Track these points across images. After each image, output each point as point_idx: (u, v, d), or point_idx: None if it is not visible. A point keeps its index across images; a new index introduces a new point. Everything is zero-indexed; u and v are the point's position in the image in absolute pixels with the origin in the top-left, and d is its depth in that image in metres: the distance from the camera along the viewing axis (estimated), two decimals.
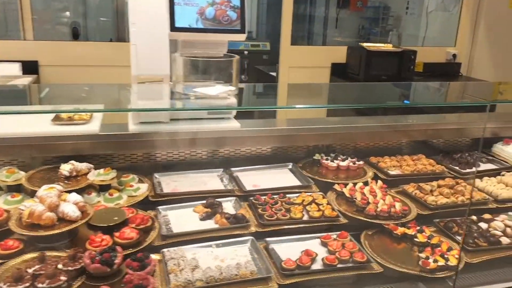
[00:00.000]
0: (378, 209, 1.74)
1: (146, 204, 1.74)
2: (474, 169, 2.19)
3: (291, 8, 3.65)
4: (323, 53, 3.92)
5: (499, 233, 1.70)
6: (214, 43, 1.86)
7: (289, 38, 3.73)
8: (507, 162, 2.31)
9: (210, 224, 1.64)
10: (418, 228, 1.70)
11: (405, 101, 2.37)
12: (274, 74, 4.15)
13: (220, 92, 1.33)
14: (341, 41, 6.96)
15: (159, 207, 1.72)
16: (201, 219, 1.66)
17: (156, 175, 1.93)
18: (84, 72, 3.46)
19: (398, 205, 1.78)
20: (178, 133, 1.93)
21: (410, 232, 1.67)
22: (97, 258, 1.31)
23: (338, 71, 3.87)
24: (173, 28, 1.73)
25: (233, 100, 1.72)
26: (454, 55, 4.17)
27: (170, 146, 2.00)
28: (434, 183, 1.99)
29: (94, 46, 3.83)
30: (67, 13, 5.17)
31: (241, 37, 1.80)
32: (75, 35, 4.86)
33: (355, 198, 1.84)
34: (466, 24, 4.18)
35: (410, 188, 1.99)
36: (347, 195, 1.87)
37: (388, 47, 3.65)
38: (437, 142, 2.53)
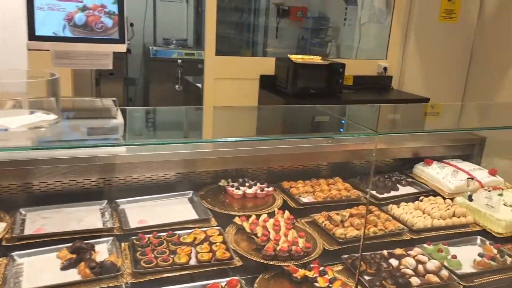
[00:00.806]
0: (278, 248, 1.52)
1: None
2: (390, 194, 2.04)
3: (214, 15, 3.42)
4: (251, 64, 3.72)
5: (410, 272, 1.53)
6: (93, 53, 1.59)
7: (213, 47, 3.50)
8: (427, 185, 2.18)
9: (73, 274, 1.36)
10: (321, 269, 1.50)
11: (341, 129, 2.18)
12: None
13: (23, 124, 1.06)
14: (281, 51, 6.84)
15: (14, 253, 1.41)
16: (62, 269, 1.37)
17: (22, 210, 1.62)
18: None
19: (301, 242, 1.57)
20: (54, 160, 1.65)
21: (311, 274, 1.46)
22: None
23: (266, 84, 3.68)
24: (33, 37, 1.44)
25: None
26: (385, 68, 4.10)
27: (45, 175, 1.70)
28: (346, 212, 1.81)
29: None
30: None
31: (120, 47, 1.54)
32: None
33: (256, 234, 1.62)
34: (397, 36, 4.12)
35: (320, 218, 1.80)
36: (248, 230, 1.65)
37: (316, 59, 3.51)
38: (358, 163, 2.37)
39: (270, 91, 3.61)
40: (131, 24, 6.19)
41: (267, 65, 3.69)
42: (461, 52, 4.31)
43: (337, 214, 1.77)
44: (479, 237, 1.85)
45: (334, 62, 3.54)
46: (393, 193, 2.10)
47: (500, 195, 2.08)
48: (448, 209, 1.90)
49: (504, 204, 1.97)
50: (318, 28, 7.14)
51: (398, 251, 1.63)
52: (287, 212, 1.78)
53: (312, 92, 3.46)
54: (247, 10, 7.34)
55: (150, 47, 5.72)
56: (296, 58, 3.42)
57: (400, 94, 4.05)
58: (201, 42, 6.61)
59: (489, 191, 2.07)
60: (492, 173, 2.21)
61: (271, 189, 1.94)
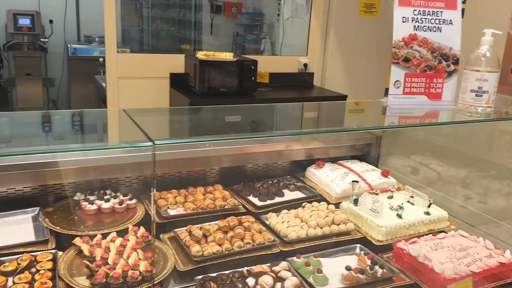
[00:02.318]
0: (110, 274, 1.31)
1: None
2: (268, 202, 1.88)
3: (113, 9, 3.17)
4: (161, 62, 3.48)
5: None
6: None
7: (114, 44, 3.24)
8: (316, 189, 2.03)
9: None
10: None
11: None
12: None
13: None
14: (217, 49, 6.64)
15: None
16: None
17: None
18: None
19: (142, 265, 1.37)
20: None
21: None
22: None
23: (177, 83, 3.47)
24: None
25: None
26: (306, 65, 3.98)
27: None
28: (211, 225, 1.63)
29: None
30: None
31: None
32: None
33: (95, 257, 1.41)
34: (316, 32, 4.01)
35: (183, 233, 1.61)
36: (86, 252, 1.43)
37: (227, 56, 3.33)
38: (253, 167, 2.20)
39: (181, 90, 3.39)
40: (50, 21, 5.81)
41: (177, 63, 3.48)
42: (382, 47, 4.25)
43: (200, 228, 1.59)
44: (358, 245, 1.72)
45: (245, 59, 3.37)
46: (277, 200, 1.94)
47: (390, 197, 1.97)
48: (327, 216, 1.76)
49: (390, 208, 1.85)
50: (252, 24, 6.99)
51: (258, 268, 1.46)
52: (142, 229, 1.58)
53: (223, 91, 3.27)
54: (181, 6, 7.10)
55: (69, 45, 5.38)
56: (203, 54, 3.23)
57: (321, 91, 3.94)
58: (126, 39, 6.32)
59: (376, 194, 1.95)
60: (384, 174, 2.10)
61: (133, 201, 1.73)
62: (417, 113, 1.41)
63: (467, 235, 1.76)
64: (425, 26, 1.31)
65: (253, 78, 3.33)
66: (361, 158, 2.31)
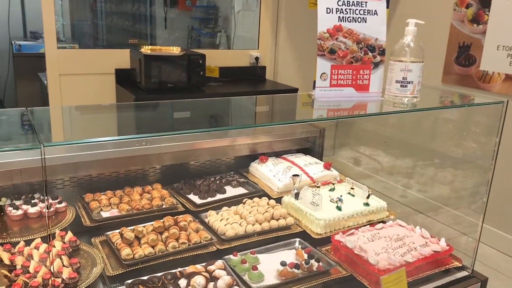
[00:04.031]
0: (30, 283, 1.24)
1: None
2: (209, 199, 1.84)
3: (51, 2, 3.03)
4: (105, 58, 3.37)
5: None
6: None
7: (54, 39, 3.11)
8: (258, 185, 2.01)
9: None
10: None
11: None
12: None
13: None
14: (172, 43, 6.51)
15: None
16: None
17: None
18: None
19: (66, 272, 1.30)
20: None
21: None
22: None
23: (123, 79, 3.36)
24: None
25: None
26: (257, 58, 3.95)
27: None
28: (144, 227, 1.58)
29: None
30: None
31: None
32: None
33: (16, 266, 1.33)
34: (267, 25, 3.99)
35: (115, 236, 1.55)
36: (6, 261, 1.35)
37: (173, 50, 3.25)
38: (195, 164, 2.15)
39: (127, 87, 3.29)
40: None
41: (122, 58, 3.37)
42: None
43: (133, 230, 1.53)
44: (298, 239, 1.71)
45: (192, 53, 3.30)
46: (218, 197, 1.90)
47: (332, 190, 1.97)
48: (267, 211, 1.74)
49: (330, 201, 1.85)
50: (207, 17, 6.89)
51: (191, 268, 1.42)
52: (69, 234, 1.50)
53: (170, 86, 3.20)
54: (135, 0, 6.92)
55: (13, 42, 5.13)
56: (148, 49, 3.14)
57: (272, 85, 3.92)
58: (77, 35, 6.09)
59: (318, 187, 1.95)
60: (326, 166, 2.10)
61: (63, 204, 1.65)
62: (345, 106, 1.40)
63: (405, 225, 1.77)
64: (350, 17, 1.29)
65: (201, 73, 3.27)
66: (306, 152, 2.30)
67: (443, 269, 1.60)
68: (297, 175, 1.89)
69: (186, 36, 6.90)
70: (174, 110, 1.81)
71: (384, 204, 1.86)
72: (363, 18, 1.30)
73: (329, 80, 1.31)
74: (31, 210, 1.59)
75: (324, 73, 1.30)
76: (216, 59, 3.62)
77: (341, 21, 1.28)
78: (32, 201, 1.63)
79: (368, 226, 1.72)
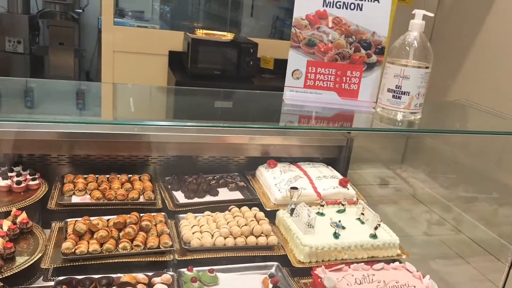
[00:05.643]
0: None
1: None
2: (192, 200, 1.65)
3: None
4: (159, 38, 3.31)
5: None
6: None
7: (111, 14, 3.11)
8: (258, 192, 1.77)
9: None
10: None
11: None
12: None
13: None
14: (256, 32, 6.40)
15: None
16: None
17: None
18: None
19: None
20: None
21: None
22: None
23: (175, 62, 3.29)
24: None
25: None
26: None
27: None
28: (107, 220, 1.44)
29: None
30: None
31: None
32: None
33: None
34: None
35: (71, 225, 1.43)
36: None
37: (226, 36, 3.09)
38: (201, 159, 1.98)
39: (175, 70, 3.21)
40: None
41: (176, 40, 3.30)
42: None
43: (85, 221, 1.40)
44: (276, 264, 1.45)
45: (244, 40, 3.11)
46: (207, 199, 1.71)
47: (341, 211, 1.67)
48: (247, 224, 1.50)
49: (330, 225, 1.56)
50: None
51: (127, 277, 1.25)
52: (23, 214, 1.41)
53: (217, 74, 3.05)
54: None
55: (99, 18, 5.37)
56: (201, 33, 3.02)
57: None
58: (164, 17, 6.22)
59: (322, 205, 1.66)
60: (342, 183, 1.79)
61: (36, 182, 1.58)
62: (323, 113, 1.10)
63: (413, 270, 1.43)
64: (339, 1, 0.98)
65: (251, 63, 3.07)
66: (331, 162, 2.00)
67: None
68: (296, 188, 1.63)
69: (270, 25, 6.73)
70: (203, 99, 1.63)
71: (396, 240, 1.52)
72: (358, 4, 0.98)
73: (303, 79, 1.03)
74: (1, 183, 1.53)
75: (298, 70, 1.02)
76: (269, 49, 3.38)
77: (326, 6, 0.98)
78: (10, 174, 1.57)
79: (362, 264, 1.41)
